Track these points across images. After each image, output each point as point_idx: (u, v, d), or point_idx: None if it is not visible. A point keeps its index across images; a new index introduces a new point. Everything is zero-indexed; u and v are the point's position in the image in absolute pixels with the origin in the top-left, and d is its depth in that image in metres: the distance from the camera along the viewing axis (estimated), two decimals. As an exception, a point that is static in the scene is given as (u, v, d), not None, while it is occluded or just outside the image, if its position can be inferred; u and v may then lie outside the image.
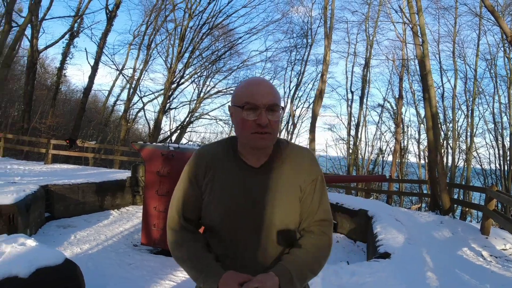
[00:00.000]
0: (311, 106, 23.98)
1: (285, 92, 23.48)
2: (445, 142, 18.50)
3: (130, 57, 16.04)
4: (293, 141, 23.97)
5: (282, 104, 1.18)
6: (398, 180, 15.11)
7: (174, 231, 1.25)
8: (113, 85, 17.16)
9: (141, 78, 15.21)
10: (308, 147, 18.28)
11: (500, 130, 15.82)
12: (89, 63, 13.14)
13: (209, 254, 1.18)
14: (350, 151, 21.25)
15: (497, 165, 15.77)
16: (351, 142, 21.44)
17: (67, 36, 13.42)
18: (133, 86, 15.07)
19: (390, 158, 23.28)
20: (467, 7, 13.52)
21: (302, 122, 24.75)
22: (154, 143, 7.02)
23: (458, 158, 17.56)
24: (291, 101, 22.78)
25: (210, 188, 1.18)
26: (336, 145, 31.09)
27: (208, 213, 1.19)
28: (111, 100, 18.55)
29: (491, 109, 16.35)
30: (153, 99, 16.17)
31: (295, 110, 23.49)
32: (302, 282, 1.09)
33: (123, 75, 15.16)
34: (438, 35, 17.89)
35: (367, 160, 23.42)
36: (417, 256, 5.12)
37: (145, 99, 16.48)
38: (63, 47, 13.79)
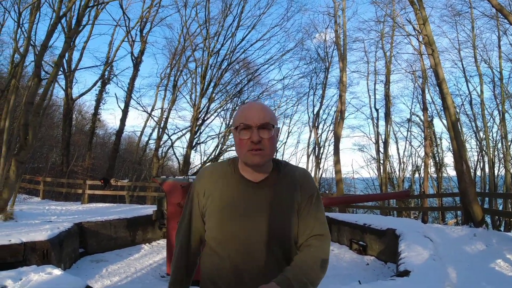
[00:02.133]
0: (330, 128, 23.92)
1: (309, 117, 23.63)
2: (480, 151, 17.57)
3: (158, 98, 17.22)
4: (321, 165, 23.79)
5: (276, 123, 1.26)
6: (428, 195, 14.43)
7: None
8: (145, 126, 18.30)
9: (169, 117, 16.16)
10: (334, 169, 18.08)
11: None
12: (119, 107, 14.30)
13: (183, 271, 1.44)
14: (381, 170, 20.66)
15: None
16: (381, 161, 20.89)
17: (99, 84, 14.79)
18: (161, 125, 16.00)
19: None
20: (479, 11, 13.24)
21: (329, 146, 24.61)
22: (174, 177, 7.41)
23: (499, 167, 16.55)
24: (313, 125, 22.84)
25: (210, 201, 1.28)
26: (368, 166, 30.30)
27: (209, 225, 1.27)
28: (144, 140, 19.76)
29: None
30: (181, 136, 17.01)
31: (321, 134, 23.49)
32: None
33: (151, 117, 16.22)
34: (458, 42, 17.54)
35: (408, 179, 22.57)
36: (439, 272, 4.91)
37: (173, 137, 17.37)
38: (96, 94, 15.12)
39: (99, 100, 14.43)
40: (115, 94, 16.56)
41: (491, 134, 16.73)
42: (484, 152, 16.64)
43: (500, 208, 14.24)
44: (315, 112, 23.41)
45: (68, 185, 12.73)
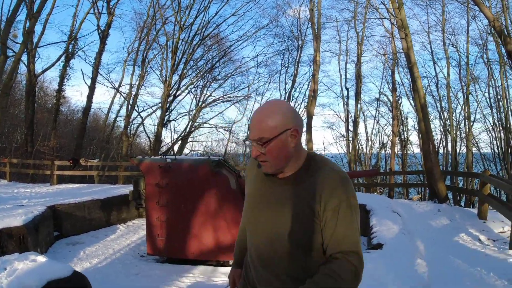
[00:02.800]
0: (303, 106, 24.25)
1: (281, 95, 23.72)
2: (444, 131, 18.59)
3: (126, 74, 16.46)
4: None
5: (275, 132, 1.16)
6: (394, 172, 15.22)
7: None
8: (112, 103, 17.55)
9: (138, 93, 15.57)
10: (305, 147, 18.48)
11: (497, 114, 16.02)
12: (86, 83, 13.54)
13: (241, 244, 1.48)
14: (350, 147, 21.37)
15: (498, 149, 15.84)
16: (350, 139, 21.58)
17: (62, 59, 13.85)
18: (130, 102, 15.42)
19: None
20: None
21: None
22: (152, 157, 7.27)
23: (460, 145, 17.66)
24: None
25: (246, 188, 1.39)
26: (337, 143, 31.15)
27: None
28: (111, 117, 18.99)
29: (487, 94, 16.53)
30: (151, 113, 16.54)
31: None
32: None
33: (120, 93, 15.55)
34: (428, 25, 18.05)
35: (363, 155, 23.54)
36: (410, 245, 5.25)
37: (143, 114, 16.84)
38: (60, 70, 14.19)
39: (63, 76, 13.54)
40: (81, 70, 15.76)
41: (454, 115, 17.78)
42: (447, 132, 17.64)
43: (460, 185, 15.35)
44: (287, 90, 23.53)
45: (35, 166, 12.11)
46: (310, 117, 14.63)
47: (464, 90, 16.56)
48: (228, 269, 6.19)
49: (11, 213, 5.54)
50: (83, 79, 22.27)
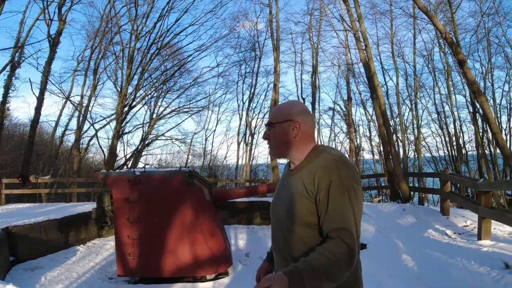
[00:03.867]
0: (266, 117, 24.54)
1: (238, 105, 23.81)
2: (394, 135, 19.83)
3: (76, 85, 15.37)
4: (253, 152, 24.33)
5: (279, 119, 1.36)
6: None
7: None
8: (60, 115, 16.22)
9: (90, 104, 14.59)
10: (269, 156, 18.63)
11: (443, 119, 17.46)
12: (34, 94, 12.33)
13: None
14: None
15: (445, 151, 17.28)
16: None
17: (8, 68, 12.52)
18: (82, 113, 14.38)
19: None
20: (402, 10, 14.79)
21: (258, 133, 25.17)
22: (119, 170, 6.81)
23: (408, 149, 18.95)
24: (247, 113, 23.10)
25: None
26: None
27: None
28: (59, 130, 17.54)
29: (433, 101, 18.01)
30: (105, 125, 15.54)
31: (251, 121, 23.85)
32: (314, 284, 1.09)
33: (71, 102, 14.43)
34: (377, 38, 19.32)
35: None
36: (389, 243, 5.45)
37: (96, 126, 15.79)
38: (4, 80, 12.82)
39: (8, 87, 12.18)
40: (29, 79, 14.41)
41: (404, 120, 19.04)
42: (397, 137, 18.83)
43: (411, 185, 16.45)
44: (244, 100, 23.66)
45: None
46: (272, 126, 14.74)
47: (412, 98, 17.92)
48: (208, 285, 5.91)
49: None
50: (31, 89, 20.41)
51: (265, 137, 1.40)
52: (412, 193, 10.12)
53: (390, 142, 9.40)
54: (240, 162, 24.73)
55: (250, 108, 23.52)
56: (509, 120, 15.94)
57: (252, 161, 23.89)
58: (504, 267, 3.40)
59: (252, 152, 23.89)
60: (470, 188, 9.93)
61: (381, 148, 19.60)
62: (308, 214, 1.24)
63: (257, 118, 24.48)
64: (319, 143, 1.40)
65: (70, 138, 21.18)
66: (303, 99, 23.16)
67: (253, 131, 23.53)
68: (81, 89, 15.36)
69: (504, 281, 2.98)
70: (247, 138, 23.94)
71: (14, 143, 16.22)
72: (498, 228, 5.47)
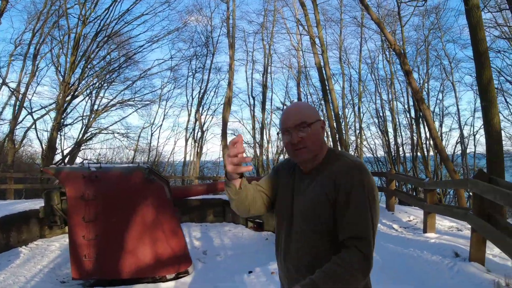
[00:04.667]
0: (216, 114, 24.41)
1: (188, 101, 23.36)
2: (337, 136, 21.09)
3: (12, 70, 13.75)
4: (203, 147, 24.02)
5: (313, 119, 1.29)
6: None
7: None
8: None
9: (27, 92, 13.21)
10: (221, 153, 18.60)
11: (383, 123, 18.97)
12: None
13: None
14: (258, 153, 22.32)
15: (384, 152, 18.83)
16: (257, 145, 22.56)
17: None
18: (19, 100, 12.95)
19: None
20: (352, 18, 15.74)
21: (207, 129, 24.93)
22: (71, 165, 6.33)
23: (349, 150, 20.27)
24: (197, 109, 22.75)
25: (280, 183, 1.45)
26: (241, 149, 31.95)
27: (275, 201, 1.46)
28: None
29: (375, 105, 19.52)
30: (44, 115, 14.17)
31: (200, 117, 23.53)
32: None
33: (8, 86, 12.87)
34: (326, 43, 20.28)
35: (272, 160, 24.94)
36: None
37: (35, 116, 14.35)
38: None
39: None
40: None
41: (347, 122, 20.32)
42: (342, 138, 20.07)
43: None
44: (194, 96, 23.27)
45: None
46: (225, 124, 14.78)
47: (355, 102, 19.21)
48: (169, 285, 5.79)
49: None
50: None
51: (298, 140, 1.26)
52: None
53: (341, 143, 10.00)
54: (188, 158, 24.29)
55: (203, 105, 23.21)
56: (440, 125, 17.92)
57: (200, 158, 23.58)
58: (454, 256, 3.88)
59: (201, 148, 23.61)
60: (411, 186, 11.06)
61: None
62: (326, 220, 1.23)
63: (206, 115, 24.25)
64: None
65: (3, 128, 18.94)
66: (253, 98, 23.51)
67: (203, 127, 23.25)
68: (19, 75, 13.84)
69: (457, 267, 3.41)
70: (195, 134, 23.60)
71: None
72: (439, 222, 6.16)
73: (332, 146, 10.51)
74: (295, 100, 22.95)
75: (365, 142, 20.07)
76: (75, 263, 5.53)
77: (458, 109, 18.77)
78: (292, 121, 1.28)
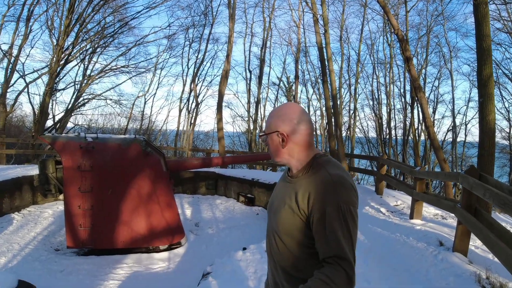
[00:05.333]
0: (211, 85, 24.13)
1: (183, 70, 22.95)
2: (332, 118, 21.15)
3: (4, 32, 13.18)
4: (197, 119, 23.86)
5: (272, 129, 1.34)
6: None
7: None
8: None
9: (20, 54, 12.78)
10: (216, 126, 18.54)
11: (377, 105, 19.04)
12: None
13: None
14: (252, 127, 22.32)
15: (376, 134, 19.02)
16: (252, 119, 22.51)
17: None
18: (11, 63, 12.56)
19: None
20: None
21: (202, 101, 24.70)
22: (67, 134, 6.27)
23: (341, 130, 20.44)
24: (193, 80, 22.41)
25: None
26: (234, 122, 32.08)
27: None
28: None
29: (371, 87, 19.49)
30: (36, 78, 13.80)
31: (196, 87, 23.22)
32: None
33: (0, 49, 12.42)
34: (327, 20, 19.85)
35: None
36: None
37: (27, 79, 13.99)
38: None
39: None
40: None
41: (343, 103, 20.31)
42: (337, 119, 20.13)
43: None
44: (189, 66, 22.86)
45: None
46: (221, 97, 14.61)
47: (352, 82, 19.13)
48: (163, 255, 5.97)
49: None
50: None
51: (265, 144, 1.42)
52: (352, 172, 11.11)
53: (337, 125, 10.06)
54: (181, 128, 24.20)
55: (197, 74, 22.83)
56: (434, 112, 18.06)
57: (194, 129, 23.52)
58: (439, 244, 4.08)
59: (195, 119, 23.48)
60: (399, 171, 11.32)
61: (322, 128, 20.84)
62: (295, 230, 1.24)
63: (201, 86, 23.95)
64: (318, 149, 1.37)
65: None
66: (250, 71, 23.21)
67: (198, 98, 23.02)
68: (12, 37, 13.32)
69: (441, 256, 3.59)
70: (189, 105, 23.39)
71: None
72: (425, 209, 6.38)
73: (327, 128, 10.34)
74: (292, 76, 22.78)
75: (358, 123, 20.21)
76: (70, 232, 5.64)
77: (453, 98, 18.98)
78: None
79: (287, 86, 23.73)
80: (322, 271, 1.13)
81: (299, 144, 1.32)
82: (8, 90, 12.81)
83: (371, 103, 19.71)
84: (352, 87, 19.52)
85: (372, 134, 19.71)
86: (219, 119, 15.09)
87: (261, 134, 1.39)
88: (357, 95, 19.53)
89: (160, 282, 4.95)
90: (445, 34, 17.53)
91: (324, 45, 9.69)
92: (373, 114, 18.89)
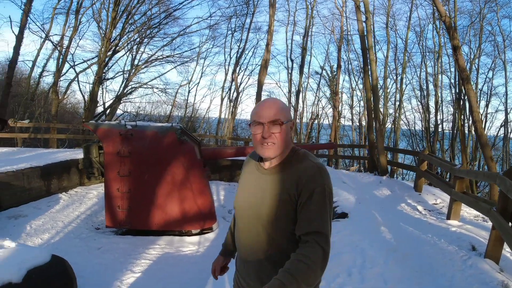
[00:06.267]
0: (252, 74, 24.18)
1: (225, 60, 23.20)
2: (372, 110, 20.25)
3: (56, 23, 14.29)
4: (237, 109, 24.16)
5: (286, 118, 1.32)
6: (344, 145, 16.37)
7: None
8: (38, 54, 15.23)
9: (70, 45, 13.75)
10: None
11: (425, 97, 17.92)
12: (13, 32, 11.39)
13: (230, 235, 1.63)
14: (292, 117, 22.07)
15: (422, 128, 17.97)
16: (293, 109, 22.29)
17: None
18: (62, 54, 13.57)
19: (325, 122, 24.98)
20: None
21: (243, 90, 24.89)
22: (109, 122, 6.69)
23: (386, 121, 19.50)
24: (234, 69, 22.63)
25: (240, 178, 1.50)
26: (276, 112, 31.73)
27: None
28: (36, 71, 16.58)
29: (418, 78, 18.32)
30: (86, 68, 14.81)
31: (237, 77, 23.43)
32: None
33: (50, 41, 13.48)
34: (373, 7, 18.94)
35: (305, 125, 24.70)
36: (369, 214, 5.83)
37: (77, 69, 15.04)
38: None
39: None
40: (10, 18, 13.33)
41: (388, 93, 19.36)
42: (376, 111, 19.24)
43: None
44: (232, 55, 23.05)
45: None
46: (260, 87, 14.64)
47: (399, 72, 18.11)
48: (194, 239, 6.21)
49: None
50: (11, 27, 18.86)
51: (269, 135, 1.30)
52: (391, 167, 10.65)
53: (376, 117, 9.66)
54: (222, 116, 24.65)
55: (240, 65, 23.01)
56: (487, 105, 16.67)
57: (235, 118, 23.85)
58: (471, 249, 3.80)
59: (236, 108, 23.77)
60: (441, 169, 10.62)
61: (364, 119, 20.09)
62: (286, 218, 1.28)
63: (243, 75, 24.11)
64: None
65: (47, 80, 20.21)
66: (292, 60, 22.89)
67: (239, 87, 23.24)
68: (62, 29, 14.36)
69: (471, 261, 3.35)
70: (231, 94, 23.69)
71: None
72: (465, 210, 5.95)
73: (367, 120, 10.00)
74: (335, 65, 22.09)
75: (403, 116, 19.16)
76: (109, 213, 6.07)
77: (506, 91, 17.23)
78: (267, 116, 1.30)
79: (330, 75, 23.12)
80: (301, 252, 1.19)
81: (291, 136, 1.37)
82: (60, 79, 13.83)
83: (418, 93, 18.60)
84: (399, 78, 18.50)
85: (418, 127, 18.64)
86: (257, 109, 15.10)
87: (280, 122, 1.29)
88: (403, 86, 18.48)
89: (189, 264, 5.16)
90: (499, 22, 16.00)
91: (365, 33, 9.27)
92: (419, 106, 17.82)
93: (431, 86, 17.75)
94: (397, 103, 18.85)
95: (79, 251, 5.15)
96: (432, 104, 17.32)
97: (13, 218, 6.00)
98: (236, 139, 17.93)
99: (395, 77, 18.99)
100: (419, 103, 18.44)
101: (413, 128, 19.13)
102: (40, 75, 15.58)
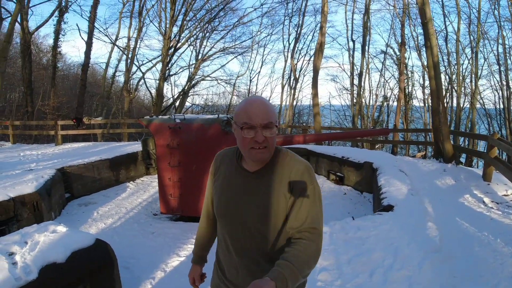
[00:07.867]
0: (312, 60, 23.56)
1: (284, 46, 22.96)
2: (449, 86, 18.26)
3: (122, 27, 15.70)
4: (296, 95, 23.91)
5: (276, 120, 1.31)
6: (402, 130, 15.22)
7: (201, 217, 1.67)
8: (110, 57, 17.03)
9: (137, 46, 14.96)
10: (311, 102, 18.28)
11: (504, 72, 15.56)
12: (82, 38, 12.93)
13: (201, 240, 1.64)
14: (355, 101, 21.11)
15: (501, 107, 15.71)
16: (355, 92, 21.26)
17: (56, 14, 13.07)
18: (129, 55, 14.87)
19: (395, 104, 23.30)
20: None
21: (304, 76, 24.45)
22: (160, 117, 7.19)
23: (464, 101, 17.47)
24: (292, 56, 22.32)
25: (216, 184, 1.47)
26: (340, 96, 30.84)
27: (214, 204, 1.49)
28: (110, 71, 18.47)
29: (496, 51, 15.93)
30: (151, 67, 16.03)
31: (296, 63, 23.09)
32: (294, 284, 1.16)
33: (117, 47, 14.90)
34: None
35: (371, 109, 23.40)
36: (419, 207, 5.34)
37: (143, 68, 16.34)
38: (54, 25, 13.48)
39: (58, 32, 12.83)
40: (77, 25, 15.14)
41: (461, 70, 17.29)
42: (453, 88, 17.32)
43: (461, 144, 15.28)
44: (290, 41, 22.73)
45: (38, 127, 11.94)
46: (316, 71, 14.20)
47: (473, 46, 15.98)
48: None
49: (21, 179, 5.57)
50: (80, 34, 21.32)
51: (263, 139, 1.27)
52: (458, 153, 9.59)
53: (439, 98, 8.75)
54: (284, 104, 24.62)
55: (296, 49, 22.62)
56: None
57: (295, 105, 23.63)
58: (530, 249, 3.31)
59: (296, 96, 23.50)
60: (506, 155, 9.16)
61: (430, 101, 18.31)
62: (281, 218, 1.31)
63: (303, 60, 23.66)
64: None
65: (121, 79, 22.35)
66: (353, 41, 21.74)
67: (297, 74, 22.90)
68: (128, 32, 15.69)
69: (525, 264, 2.92)
70: (291, 82, 23.47)
71: (69, 84, 17.42)
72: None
73: (432, 101, 9.16)
74: (400, 41, 20.37)
75: (479, 96, 16.90)
76: (162, 200, 6.58)
77: None
78: (260, 119, 1.26)
79: (398, 54, 21.45)
80: (296, 246, 1.23)
81: None
82: (131, 78, 15.15)
83: (496, 69, 16.21)
84: (474, 53, 16.31)
85: (500, 106, 16.29)
86: (315, 95, 14.77)
87: (272, 125, 1.28)
88: (478, 62, 16.27)
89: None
90: None
91: (423, 5, 8.38)
92: (497, 84, 15.56)
93: (509, 62, 15.33)
94: (473, 81, 16.71)
95: (135, 234, 5.67)
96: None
97: (83, 205, 6.84)
98: (295, 127, 17.79)
99: (471, 53, 16.81)
100: (497, 80, 16.10)
101: (487, 110, 16.81)
102: (113, 75, 17.29)
